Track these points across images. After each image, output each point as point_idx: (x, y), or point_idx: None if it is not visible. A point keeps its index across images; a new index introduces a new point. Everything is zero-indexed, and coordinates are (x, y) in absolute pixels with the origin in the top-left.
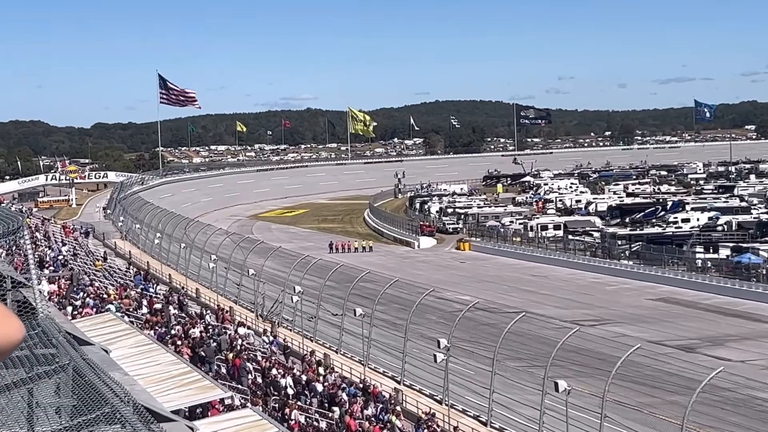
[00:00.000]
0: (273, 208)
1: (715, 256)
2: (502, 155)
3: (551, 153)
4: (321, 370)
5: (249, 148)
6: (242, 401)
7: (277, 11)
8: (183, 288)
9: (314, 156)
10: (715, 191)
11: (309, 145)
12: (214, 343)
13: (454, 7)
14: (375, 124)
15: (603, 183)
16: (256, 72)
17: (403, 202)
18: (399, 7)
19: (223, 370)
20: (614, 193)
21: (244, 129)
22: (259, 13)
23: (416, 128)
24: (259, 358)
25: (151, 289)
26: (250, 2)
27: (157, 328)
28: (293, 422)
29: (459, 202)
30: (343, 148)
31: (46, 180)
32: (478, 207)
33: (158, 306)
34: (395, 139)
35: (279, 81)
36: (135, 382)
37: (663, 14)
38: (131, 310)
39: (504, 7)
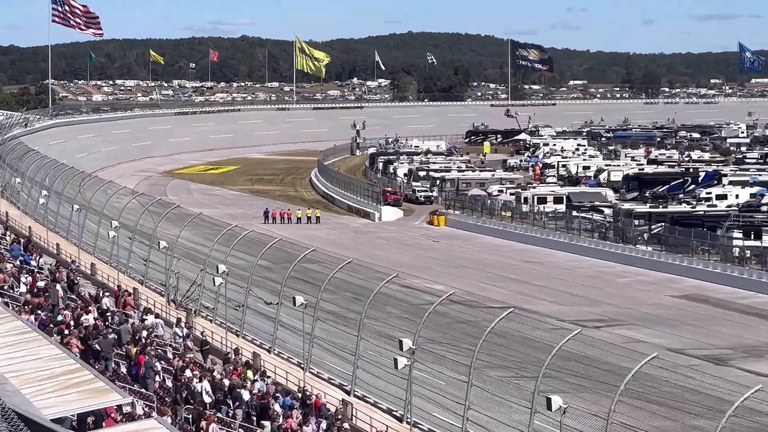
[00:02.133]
0: (194, 163)
1: (757, 243)
2: (492, 105)
3: (554, 105)
4: (249, 373)
5: (166, 85)
6: (146, 409)
7: None
8: (74, 262)
9: (249, 98)
10: (761, 161)
11: (243, 84)
12: (113, 335)
13: None
14: (329, 59)
15: (618, 146)
16: None
17: (362, 160)
18: None
19: (123, 369)
20: (632, 159)
21: (161, 60)
22: None
23: (382, 67)
24: (170, 356)
25: (33, 262)
26: None
27: (39, 312)
28: None
29: (434, 163)
30: (287, 89)
31: None
32: (459, 171)
33: (42, 284)
34: (354, 80)
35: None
36: (6, 381)
37: None
38: (6, 288)
39: None
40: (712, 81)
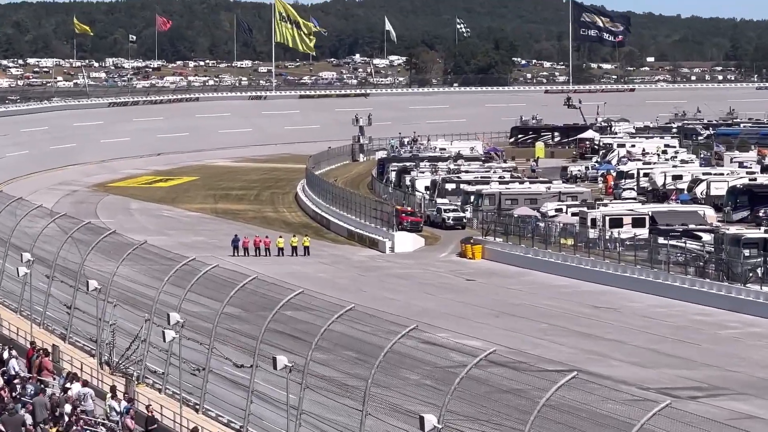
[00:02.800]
0: (136, 173)
1: None
2: (547, 92)
3: (632, 91)
4: None
5: (96, 64)
6: None
7: None
8: None
9: (212, 82)
10: None
11: (203, 64)
12: (23, 410)
13: None
14: (321, 30)
15: (721, 147)
16: None
17: (367, 168)
18: None
19: None
20: (740, 165)
21: (88, 30)
22: None
23: (394, 38)
24: None
25: None
26: None
27: None
28: None
29: (467, 172)
30: (263, 70)
31: None
32: (501, 182)
33: None
34: (357, 57)
35: None
36: None
37: None
38: None
39: None
40: None
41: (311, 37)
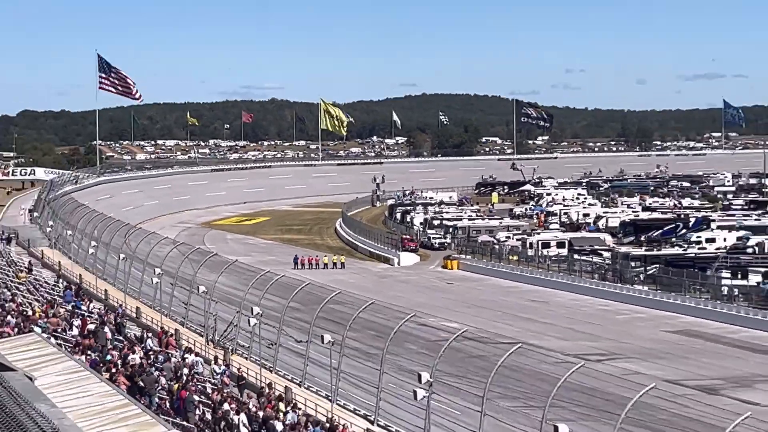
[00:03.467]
0: (229, 215)
1: (744, 282)
2: (499, 159)
3: (556, 158)
4: (281, 406)
5: (203, 143)
6: None
7: None
8: (121, 306)
9: (279, 155)
10: (746, 207)
11: (273, 143)
12: (156, 372)
13: None
14: (351, 120)
15: (615, 194)
16: (213, 55)
17: (381, 211)
18: None
19: (167, 404)
20: (628, 206)
21: (197, 122)
22: None
23: (399, 125)
24: (209, 391)
25: (83, 307)
26: None
27: (89, 352)
28: None
29: (447, 212)
30: (312, 147)
31: None
32: (470, 219)
33: (92, 327)
34: (374, 138)
35: (240, 66)
36: (63, 416)
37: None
38: (60, 331)
39: None
40: (699, 135)
41: (344, 125)
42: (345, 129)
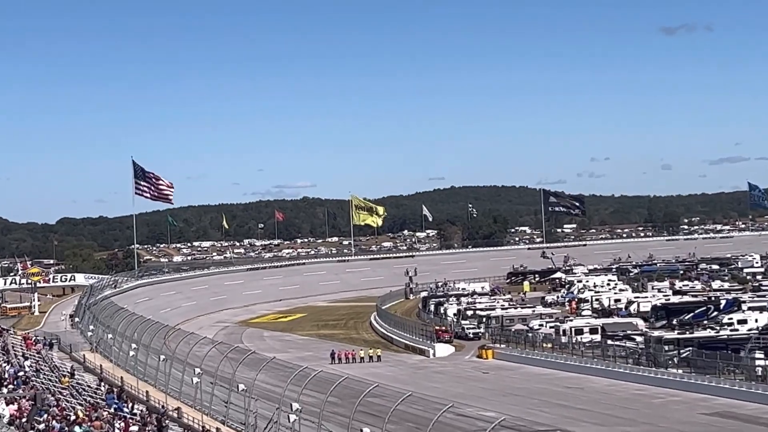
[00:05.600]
0: (265, 313)
1: None
2: (529, 248)
3: (585, 245)
4: None
5: (237, 243)
6: None
7: (266, 88)
8: (163, 407)
9: (312, 252)
10: None
11: (306, 240)
12: None
13: (469, 81)
14: (384, 214)
15: (645, 279)
16: (245, 157)
17: (415, 303)
18: (406, 81)
19: None
20: (658, 290)
21: (227, 226)
22: (247, 90)
23: (429, 218)
24: None
25: (125, 409)
26: (236, 78)
27: None
28: None
29: (480, 302)
30: (345, 243)
31: (5, 284)
32: (502, 308)
33: (134, 428)
34: (405, 232)
35: (271, 167)
36: None
37: (713, 85)
38: None
39: (527, 80)
40: (726, 218)
41: (381, 214)
42: (381, 217)
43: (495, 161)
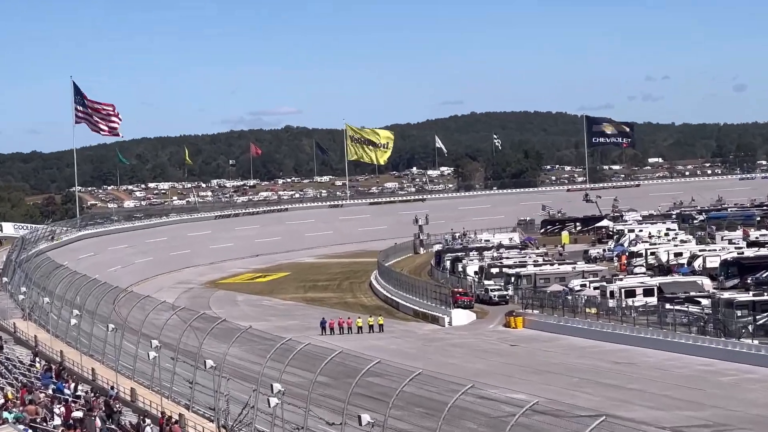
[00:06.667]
0: (239, 271)
1: None
2: (568, 190)
3: (638, 186)
4: None
5: (203, 185)
6: None
7: None
8: (113, 388)
9: (297, 195)
10: None
11: (290, 180)
12: None
13: None
14: (389, 147)
15: (713, 228)
16: (213, 76)
17: (426, 259)
18: None
19: None
20: (729, 242)
21: (191, 163)
22: None
23: (444, 152)
24: None
25: (66, 391)
26: None
27: None
28: None
29: (507, 258)
30: (338, 184)
31: None
32: (536, 265)
33: (78, 414)
34: (414, 169)
35: (246, 89)
36: None
37: None
38: (39, 421)
39: None
40: None
41: (384, 150)
42: (386, 151)
43: (525, 81)
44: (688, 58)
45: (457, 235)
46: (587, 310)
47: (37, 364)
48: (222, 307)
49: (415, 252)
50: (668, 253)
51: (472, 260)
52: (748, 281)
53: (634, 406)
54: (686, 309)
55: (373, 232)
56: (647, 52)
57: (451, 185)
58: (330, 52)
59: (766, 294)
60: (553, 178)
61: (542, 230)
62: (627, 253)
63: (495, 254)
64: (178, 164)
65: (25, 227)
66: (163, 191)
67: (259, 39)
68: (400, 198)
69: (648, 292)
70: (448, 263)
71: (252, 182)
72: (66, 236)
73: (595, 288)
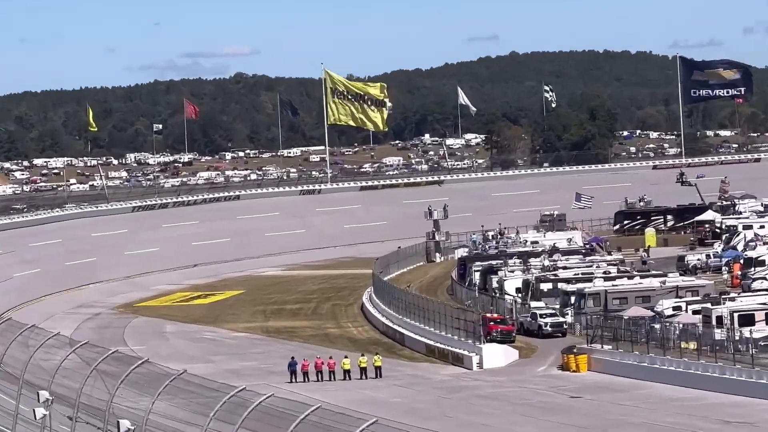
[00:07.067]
0: (169, 289)
1: None
2: (655, 167)
3: (757, 161)
4: None
5: (115, 162)
6: None
7: None
8: None
9: (254, 177)
10: None
11: (242, 154)
12: None
13: None
14: (386, 105)
15: None
16: (129, 5)
17: (445, 270)
18: None
19: None
20: None
21: (95, 128)
22: None
23: (471, 111)
24: None
25: None
26: None
27: None
28: None
29: (565, 268)
30: (315, 159)
31: None
32: (607, 278)
33: None
34: (426, 137)
35: (175, 20)
36: None
37: None
38: None
39: None
40: None
41: (380, 110)
42: (382, 112)
43: (590, 11)
44: None
45: (491, 234)
46: (683, 344)
47: None
48: (144, 341)
49: (429, 260)
50: None
51: (512, 272)
52: None
53: None
54: None
55: (365, 231)
56: None
57: (481, 161)
58: None
59: None
60: (632, 149)
61: (616, 227)
62: (742, 261)
63: (547, 263)
64: (77, 131)
65: None
66: (54, 171)
67: None
68: (405, 180)
69: None
70: (477, 276)
71: (186, 157)
72: None
73: (694, 312)
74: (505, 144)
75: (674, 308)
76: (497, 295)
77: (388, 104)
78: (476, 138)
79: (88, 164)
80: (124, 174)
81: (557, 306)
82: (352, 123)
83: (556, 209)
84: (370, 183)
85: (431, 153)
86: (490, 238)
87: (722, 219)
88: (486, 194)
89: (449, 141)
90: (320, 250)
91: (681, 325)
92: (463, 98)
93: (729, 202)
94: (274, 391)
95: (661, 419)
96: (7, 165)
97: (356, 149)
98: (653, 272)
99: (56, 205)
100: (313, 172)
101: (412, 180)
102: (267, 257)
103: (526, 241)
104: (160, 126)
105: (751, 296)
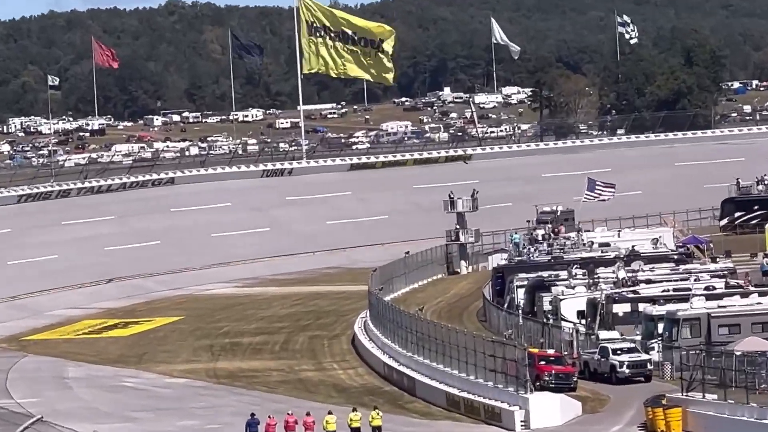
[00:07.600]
0: (73, 315)
1: None
2: None
3: None
4: None
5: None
6: None
7: None
8: None
9: (196, 150)
10: None
11: (177, 118)
12: None
13: None
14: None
15: None
16: None
17: (473, 285)
18: None
19: None
20: None
21: None
22: None
23: (514, 54)
24: None
25: None
26: None
27: None
28: None
29: (649, 281)
30: (284, 125)
31: None
32: (710, 296)
33: None
34: (445, 92)
35: None
36: None
37: None
38: None
39: None
40: None
41: (383, 58)
42: (389, 65)
43: None
44: None
45: (540, 234)
46: None
47: None
48: (37, 392)
49: (451, 271)
50: None
51: (572, 287)
52: None
53: None
54: None
55: (358, 228)
56: None
57: (525, 126)
58: None
59: None
60: (747, 108)
61: (723, 221)
62: None
63: (622, 274)
64: None
65: None
66: None
67: None
68: (416, 155)
69: None
70: (520, 294)
71: (97, 123)
72: None
73: None
74: (562, 102)
75: None
76: (550, 321)
77: (388, 45)
78: (519, 93)
79: None
80: (5, 148)
81: (638, 337)
82: (338, 73)
83: (761, 176)
84: (363, 160)
85: (453, 115)
86: (540, 238)
87: None
88: (533, 175)
89: (479, 98)
90: (292, 258)
91: None
92: (499, 35)
93: None
94: None
95: None
96: None
97: (343, 110)
98: None
99: None
100: (282, 144)
101: (425, 155)
102: (215, 268)
103: (592, 243)
104: (58, 79)
105: None
